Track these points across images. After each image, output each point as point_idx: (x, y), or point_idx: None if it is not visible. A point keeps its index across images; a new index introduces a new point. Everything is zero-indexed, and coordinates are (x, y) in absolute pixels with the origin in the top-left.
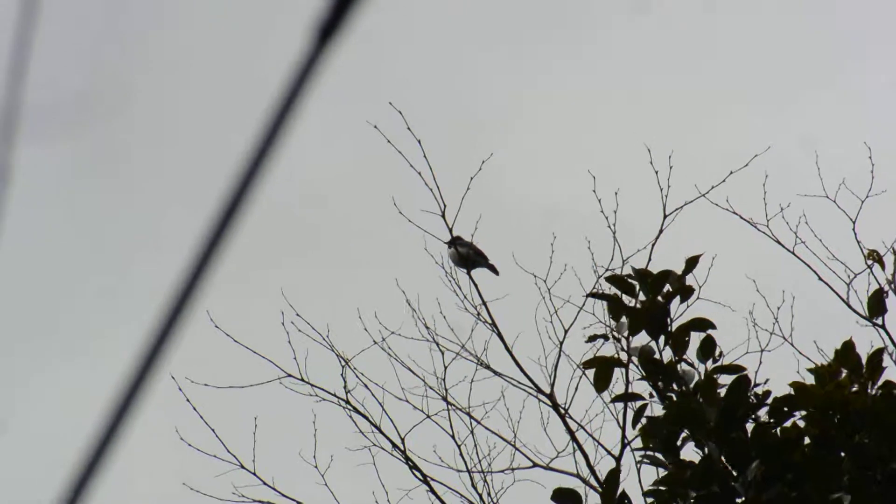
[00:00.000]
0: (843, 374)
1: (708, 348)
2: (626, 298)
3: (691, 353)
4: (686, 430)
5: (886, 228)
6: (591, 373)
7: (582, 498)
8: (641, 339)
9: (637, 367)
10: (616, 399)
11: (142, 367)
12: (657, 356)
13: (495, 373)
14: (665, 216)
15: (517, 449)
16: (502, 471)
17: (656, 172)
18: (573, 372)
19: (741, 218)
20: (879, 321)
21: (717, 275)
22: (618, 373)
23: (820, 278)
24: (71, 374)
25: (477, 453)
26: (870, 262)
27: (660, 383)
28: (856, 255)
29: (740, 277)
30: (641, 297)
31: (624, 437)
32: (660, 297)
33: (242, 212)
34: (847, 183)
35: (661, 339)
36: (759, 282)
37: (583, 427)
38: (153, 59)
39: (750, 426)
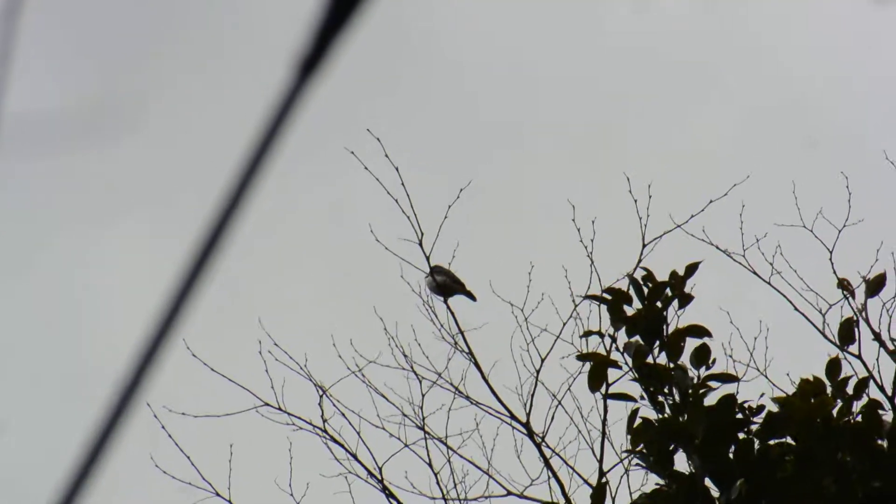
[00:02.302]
0: (828, 391)
1: (702, 355)
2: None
3: (685, 359)
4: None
5: (863, 258)
6: (578, 393)
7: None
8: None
9: (631, 369)
10: (610, 396)
11: (123, 395)
12: (651, 360)
13: (472, 402)
14: (644, 245)
15: (491, 477)
16: (476, 498)
17: (635, 201)
18: (550, 402)
19: (717, 248)
20: (855, 350)
21: (692, 306)
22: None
23: (796, 308)
24: None
25: (453, 481)
26: (841, 290)
27: (651, 388)
28: (832, 286)
29: (714, 309)
30: (637, 304)
31: (601, 467)
32: (658, 303)
33: (224, 242)
34: (824, 212)
35: (657, 344)
36: (737, 313)
37: (558, 454)
38: (139, 88)
39: (736, 443)
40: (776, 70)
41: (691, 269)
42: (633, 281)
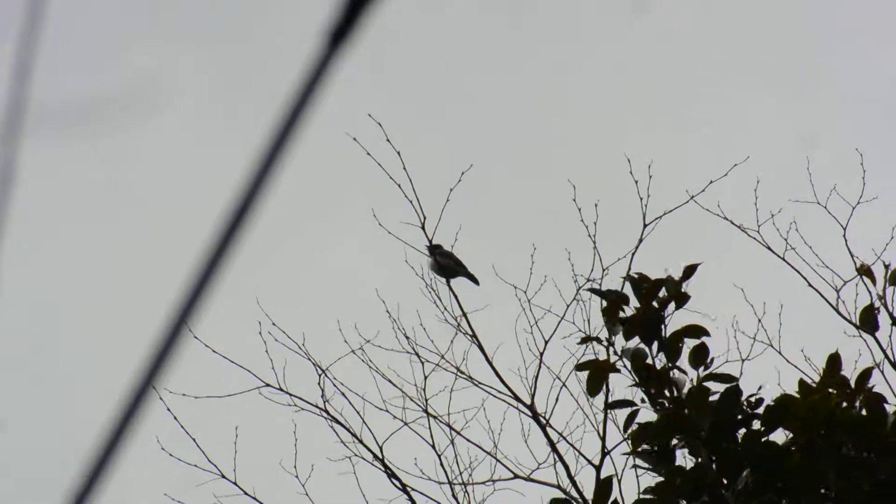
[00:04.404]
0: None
1: (700, 355)
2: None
3: (683, 360)
4: (678, 438)
5: (877, 235)
6: (582, 377)
7: None
8: (634, 344)
9: (629, 372)
10: (610, 406)
11: (139, 386)
12: (650, 361)
13: (475, 383)
14: (645, 225)
15: (497, 460)
16: (483, 482)
17: (636, 182)
18: (553, 382)
19: (731, 223)
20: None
21: (703, 282)
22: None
23: (809, 284)
24: None
25: (458, 464)
26: (860, 275)
27: (652, 389)
28: (846, 262)
29: (728, 285)
30: (635, 303)
31: (604, 447)
32: (655, 303)
33: (248, 222)
34: (838, 189)
35: (655, 345)
36: (748, 289)
37: (564, 437)
38: (167, 62)
39: (741, 434)
40: (793, 41)
41: (689, 270)
42: (630, 280)
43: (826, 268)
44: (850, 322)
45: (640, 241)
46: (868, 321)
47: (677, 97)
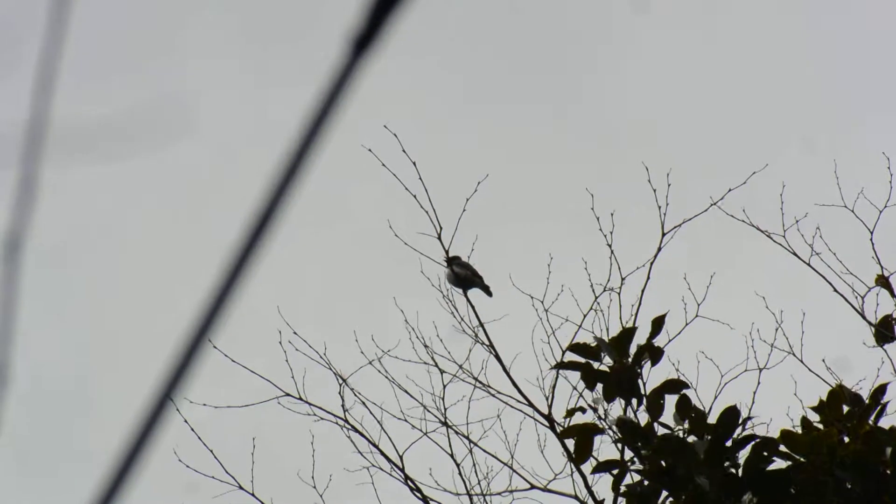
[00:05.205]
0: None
1: (684, 408)
2: (595, 364)
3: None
4: (666, 491)
5: None
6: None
7: None
8: (618, 403)
9: (618, 439)
10: (597, 469)
11: (160, 397)
12: (633, 418)
13: (492, 393)
14: (664, 234)
15: (514, 471)
16: (500, 493)
17: (654, 190)
18: (570, 393)
19: (757, 229)
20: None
21: (726, 289)
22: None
23: (835, 290)
24: None
25: (476, 474)
26: (877, 286)
27: (639, 444)
28: (872, 266)
29: (749, 293)
30: (608, 361)
31: (623, 458)
32: (629, 359)
33: (269, 232)
34: (865, 192)
35: (635, 401)
36: (771, 296)
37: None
38: (187, 71)
39: (743, 457)
40: (808, 48)
41: (657, 324)
42: (597, 340)
43: (851, 274)
44: (874, 325)
45: (659, 249)
46: (885, 332)
47: (692, 100)
